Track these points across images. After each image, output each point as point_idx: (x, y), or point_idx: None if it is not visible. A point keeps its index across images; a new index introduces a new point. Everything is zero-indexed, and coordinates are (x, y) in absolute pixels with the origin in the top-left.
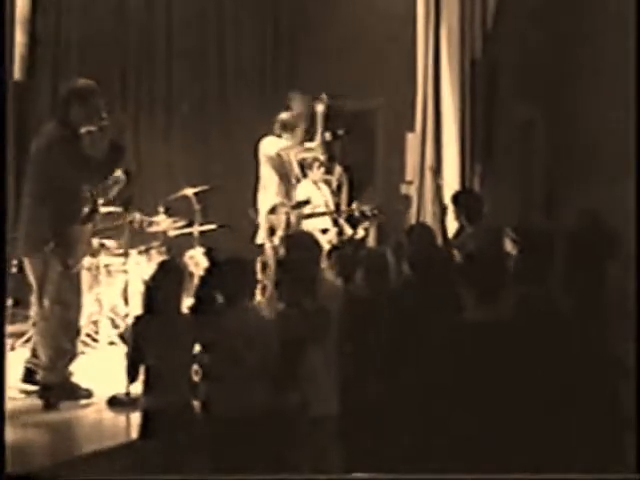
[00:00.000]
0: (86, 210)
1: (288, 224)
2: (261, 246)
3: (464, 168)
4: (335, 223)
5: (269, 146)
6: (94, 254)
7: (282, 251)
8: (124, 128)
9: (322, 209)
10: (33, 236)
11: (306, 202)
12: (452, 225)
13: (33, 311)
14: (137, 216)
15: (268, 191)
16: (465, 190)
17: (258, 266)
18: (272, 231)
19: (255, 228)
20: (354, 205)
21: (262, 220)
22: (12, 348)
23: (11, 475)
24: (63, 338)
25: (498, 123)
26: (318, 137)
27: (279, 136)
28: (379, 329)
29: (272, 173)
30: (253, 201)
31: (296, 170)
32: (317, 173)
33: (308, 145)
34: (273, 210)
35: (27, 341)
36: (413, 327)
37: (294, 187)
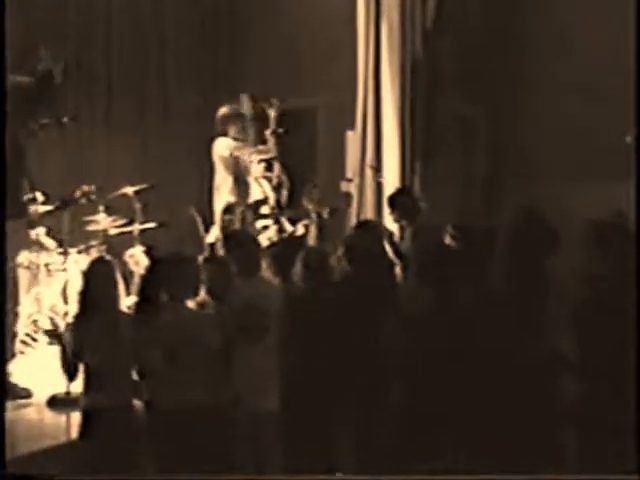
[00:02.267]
0: (19, 206)
1: (243, 223)
2: (211, 245)
3: (404, 166)
4: (275, 220)
5: (222, 146)
6: (33, 253)
7: (221, 249)
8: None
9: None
10: None
11: (263, 201)
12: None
13: None
14: (78, 193)
15: (222, 190)
16: (400, 191)
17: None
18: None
19: (202, 226)
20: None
21: (217, 219)
22: None
23: (11, 475)
24: None
25: (439, 121)
26: (271, 139)
27: (225, 133)
28: (318, 326)
29: (226, 173)
30: (196, 200)
31: (251, 170)
32: (257, 169)
33: (262, 147)
34: (228, 209)
35: None
36: (353, 323)
37: (249, 187)
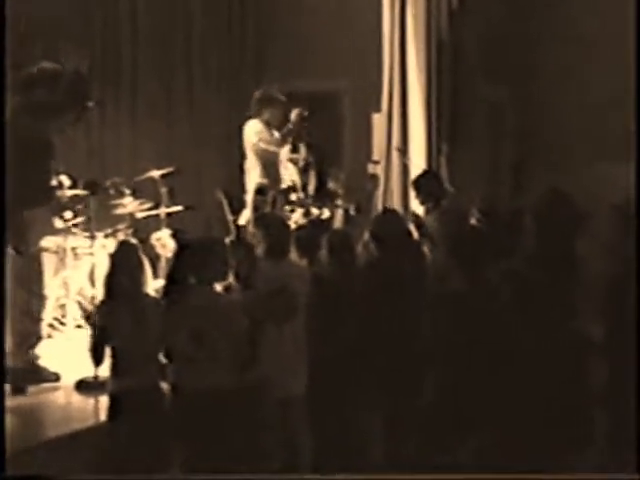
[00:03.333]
0: (45, 192)
1: (274, 206)
2: (240, 227)
3: (430, 148)
4: (301, 203)
5: (251, 132)
6: (60, 237)
7: (251, 231)
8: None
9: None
10: None
11: (293, 188)
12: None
13: None
14: (108, 182)
15: (252, 173)
16: (425, 173)
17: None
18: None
19: (228, 209)
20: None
21: (249, 200)
22: None
23: (11, 476)
24: (26, 322)
25: (465, 103)
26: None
27: (259, 115)
28: (346, 309)
29: (255, 157)
30: (222, 183)
31: (280, 155)
32: (284, 153)
33: (288, 152)
34: (260, 191)
35: None
36: (380, 306)
37: (278, 170)
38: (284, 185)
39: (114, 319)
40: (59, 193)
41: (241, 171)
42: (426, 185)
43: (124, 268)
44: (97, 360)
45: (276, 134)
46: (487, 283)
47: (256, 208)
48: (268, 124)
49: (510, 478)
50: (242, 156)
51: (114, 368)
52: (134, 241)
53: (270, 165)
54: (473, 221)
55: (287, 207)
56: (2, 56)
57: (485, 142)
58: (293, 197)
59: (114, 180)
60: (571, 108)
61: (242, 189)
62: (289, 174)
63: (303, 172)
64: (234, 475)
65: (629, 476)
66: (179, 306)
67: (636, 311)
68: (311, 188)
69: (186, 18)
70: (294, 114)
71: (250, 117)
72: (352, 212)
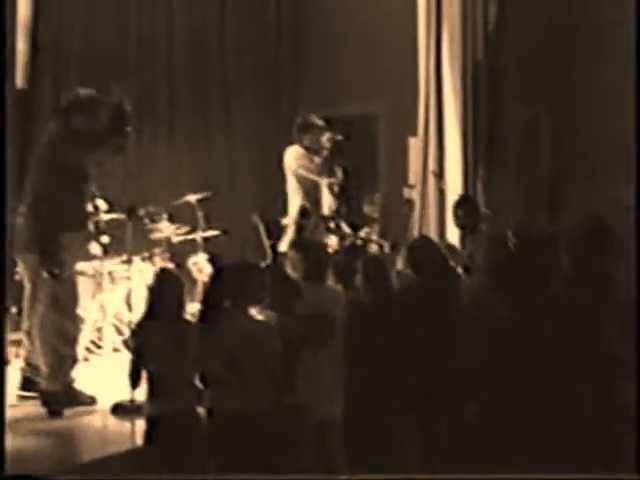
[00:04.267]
0: (81, 217)
1: (314, 230)
2: (278, 253)
3: (467, 172)
4: (337, 228)
5: (291, 159)
6: (97, 261)
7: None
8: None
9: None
10: (22, 242)
11: (330, 213)
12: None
13: (26, 319)
14: (142, 211)
15: (294, 199)
16: (463, 199)
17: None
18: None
19: (265, 234)
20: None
21: (291, 224)
22: (16, 355)
23: (10, 476)
24: (62, 345)
25: (501, 126)
26: (337, 172)
27: (300, 141)
28: (382, 334)
29: (296, 184)
30: (259, 207)
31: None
32: (324, 178)
33: (327, 178)
34: (304, 214)
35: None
36: (417, 331)
37: (320, 195)
38: (324, 210)
39: (151, 343)
40: (95, 217)
41: (282, 195)
42: (464, 211)
43: (163, 293)
44: (134, 383)
45: (316, 159)
46: (526, 308)
47: (299, 231)
48: (308, 149)
49: (508, 477)
50: (283, 181)
51: (151, 392)
52: (171, 266)
53: (311, 190)
54: (509, 243)
55: (325, 232)
56: (2, 56)
57: (522, 163)
58: (331, 222)
59: (148, 209)
60: (608, 128)
61: (279, 213)
62: (326, 199)
63: (339, 196)
64: None
65: (629, 476)
66: (216, 330)
67: (636, 311)
68: (347, 213)
69: (221, 43)
70: (325, 139)
71: (291, 142)
72: (386, 246)
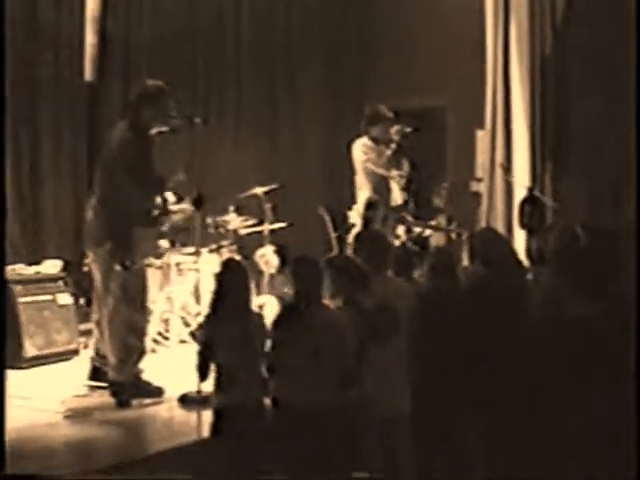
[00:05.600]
0: (150, 211)
1: (384, 223)
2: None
3: (534, 165)
4: (404, 220)
5: (359, 152)
6: (165, 253)
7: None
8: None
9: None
10: (94, 235)
11: (398, 205)
12: None
13: (95, 310)
14: (209, 220)
15: (363, 190)
16: (527, 199)
17: None
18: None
19: (331, 226)
20: None
21: (358, 216)
22: (85, 346)
23: (10, 476)
24: (131, 336)
25: (568, 119)
26: (404, 164)
27: (367, 131)
28: (448, 326)
29: (365, 176)
30: (325, 199)
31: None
32: (392, 171)
33: (396, 172)
34: (370, 206)
35: (96, 341)
36: (484, 325)
37: (389, 188)
38: (392, 203)
39: (219, 334)
40: (164, 210)
41: (349, 187)
42: (529, 210)
43: (231, 284)
44: (203, 375)
45: (385, 152)
46: (602, 304)
47: (366, 223)
48: (376, 140)
49: None
50: (350, 173)
51: (218, 383)
52: (239, 258)
53: (379, 183)
54: (576, 238)
55: (393, 224)
56: (2, 56)
57: (590, 157)
58: (398, 215)
59: (216, 220)
60: None
61: (346, 205)
62: (394, 192)
63: (406, 189)
64: None
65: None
66: (283, 322)
67: (636, 314)
68: (414, 205)
69: (289, 35)
70: (394, 131)
71: (359, 134)
72: (453, 232)
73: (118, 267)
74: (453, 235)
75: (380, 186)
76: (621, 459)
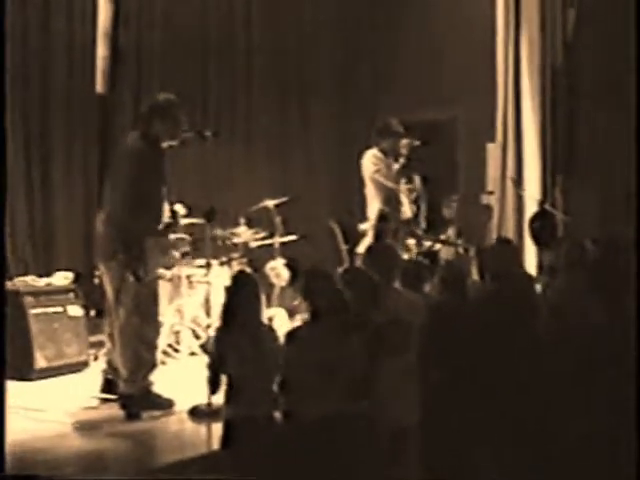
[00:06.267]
0: (164, 222)
1: (395, 236)
2: (355, 255)
3: (545, 178)
4: (414, 233)
5: (369, 164)
6: (175, 265)
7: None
8: None
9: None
10: (105, 246)
11: (408, 219)
12: None
13: (108, 322)
14: (219, 232)
15: (373, 203)
16: (538, 214)
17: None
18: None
19: (341, 238)
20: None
21: (369, 228)
22: (95, 358)
23: (10, 476)
24: (142, 349)
25: (580, 131)
26: (415, 178)
27: (377, 144)
28: (458, 340)
29: (375, 189)
30: (335, 212)
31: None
32: (401, 184)
33: (404, 184)
34: (382, 218)
35: (108, 353)
36: (494, 339)
37: (399, 201)
38: (402, 216)
39: (230, 347)
40: (174, 222)
41: (360, 200)
42: (540, 223)
43: (242, 297)
44: (214, 388)
45: (394, 166)
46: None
47: (377, 236)
48: (385, 153)
49: None
50: (361, 185)
51: (229, 396)
52: (250, 270)
53: (389, 195)
54: (588, 252)
55: (403, 238)
56: (2, 56)
57: (600, 170)
58: (408, 228)
59: (221, 233)
60: None
61: (356, 218)
62: (404, 205)
63: (416, 203)
64: None
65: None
66: (292, 334)
67: (636, 317)
68: (424, 219)
69: (300, 46)
70: (403, 144)
71: (369, 146)
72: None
73: (131, 278)
74: (461, 249)
75: (390, 199)
76: None
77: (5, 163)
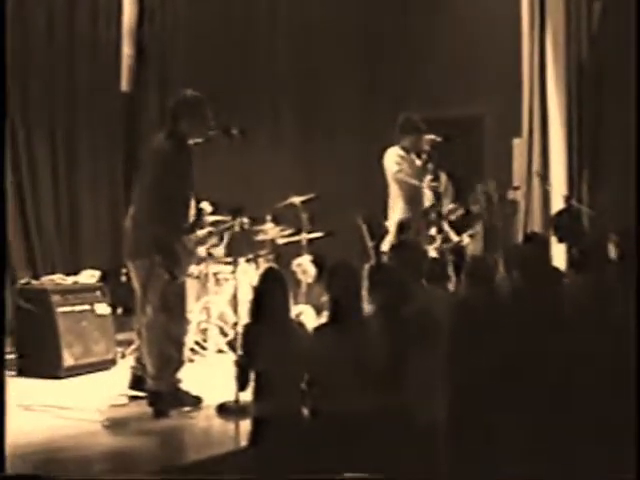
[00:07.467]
0: (192, 219)
1: (418, 234)
2: (380, 253)
3: (571, 173)
4: (440, 230)
5: (391, 162)
6: (202, 262)
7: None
8: None
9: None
10: (137, 246)
11: (433, 208)
12: None
13: (137, 320)
14: (245, 220)
15: (396, 202)
16: (563, 211)
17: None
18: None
19: (368, 235)
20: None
21: (392, 228)
22: (122, 356)
23: (11, 476)
24: (169, 346)
25: (605, 126)
26: (441, 174)
27: (399, 141)
28: (486, 335)
29: (397, 187)
30: (362, 208)
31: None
32: (425, 180)
33: (429, 181)
34: (402, 227)
35: (137, 349)
36: (522, 335)
37: (422, 197)
38: (426, 212)
39: (258, 344)
40: (201, 220)
41: (386, 196)
42: (565, 223)
43: (270, 294)
44: (242, 385)
45: (417, 162)
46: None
47: (399, 236)
48: (407, 150)
49: None
50: (385, 182)
51: (257, 392)
52: (277, 267)
53: (412, 192)
54: (612, 246)
55: (429, 234)
56: (2, 56)
57: (626, 166)
58: (433, 224)
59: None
60: None
61: (383, 215)
62: (428, 201)
63: (441, 199)
64: None
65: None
66: (321, 331)
67: (636, 315)
68: (451, 215)
69: (326, 42)
70: (426, 141)
71: (390, 144)
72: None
73: (166, 277)
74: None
75: (414, 197)
76: None
77: (5, 164)
